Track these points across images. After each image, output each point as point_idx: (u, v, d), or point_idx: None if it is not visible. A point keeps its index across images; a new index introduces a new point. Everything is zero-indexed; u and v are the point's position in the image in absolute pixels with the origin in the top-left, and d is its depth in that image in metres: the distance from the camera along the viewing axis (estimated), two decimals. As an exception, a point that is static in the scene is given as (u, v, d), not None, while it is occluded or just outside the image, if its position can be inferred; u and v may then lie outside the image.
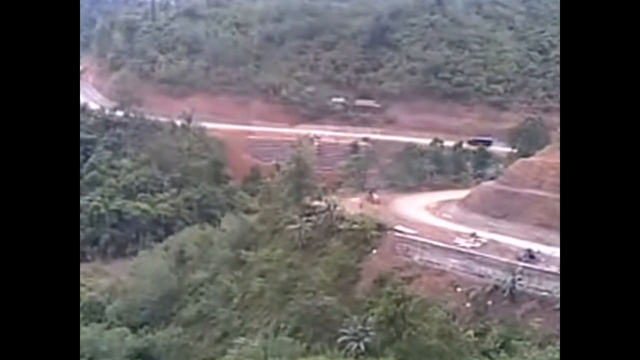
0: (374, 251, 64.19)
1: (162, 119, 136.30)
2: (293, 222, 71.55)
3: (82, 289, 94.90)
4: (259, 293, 69.72)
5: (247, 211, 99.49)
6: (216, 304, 72.82)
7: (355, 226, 65.99)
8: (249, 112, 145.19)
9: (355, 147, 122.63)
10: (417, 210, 74.80)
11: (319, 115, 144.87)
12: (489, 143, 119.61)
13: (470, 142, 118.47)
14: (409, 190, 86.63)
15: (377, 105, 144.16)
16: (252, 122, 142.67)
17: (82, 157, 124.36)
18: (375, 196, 79.60)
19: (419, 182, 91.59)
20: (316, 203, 73.89)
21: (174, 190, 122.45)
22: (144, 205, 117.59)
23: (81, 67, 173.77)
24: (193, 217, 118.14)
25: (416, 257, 60.84)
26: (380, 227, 65.51)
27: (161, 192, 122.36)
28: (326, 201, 72.15)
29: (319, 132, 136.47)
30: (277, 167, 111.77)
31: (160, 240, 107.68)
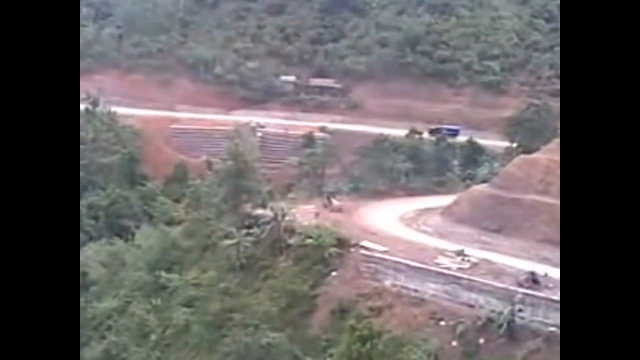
0: (334, 274, 64.26)
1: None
2: (229, 237, 71.46)
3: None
4: (184, 327, 69.21)
5: (170, 222, 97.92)
6: (128, 342, 71.52)
7: (309, 241, 66.07)
8: (172, 94, 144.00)
9: (310, 139, 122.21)
10: (390, 222, 75.11)
11: (263, 98, 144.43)
12: (455, 133, 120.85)
13: (431, 132, 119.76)
14: (378, 195, 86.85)
15: (338, 86, 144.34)
16: (177, 107, 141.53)
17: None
18: (336, 203, 79.77)
19: (391, 186, 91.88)
20: (259, 212, 74.02)
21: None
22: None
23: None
24: (99, 230, 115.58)
25: (388, 282, 60.93)
26: (342, 243, 65.70)
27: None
28: (272, 209, 72.09)
29: (263, 120, 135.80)
30: (209, 164, 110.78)
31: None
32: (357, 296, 60.88)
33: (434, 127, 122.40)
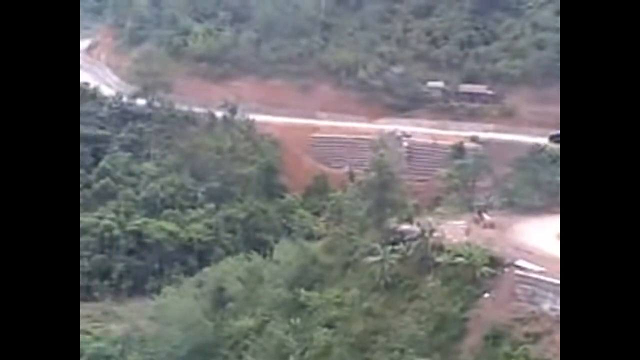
0: (486, 295, 63.56)
1: (197, 110, 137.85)
2: (373, 253, 71.31)
3: (86, 337, 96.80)
4: (324, 349, 69.59)
5: (310, 236, 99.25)
6: (266, 363, 73.02)
7: (459, 260, 65.27)
8: (312, 100, 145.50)
9: (459, 149, 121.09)
10: (547, 239, 72.87)
11: (409, 105, 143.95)
12: None
13: (551, 138, 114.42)
14: (534, 210, 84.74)
15: (490, 92, 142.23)
16: (317, 114, 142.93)
17: (91, 159, 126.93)
18: (488, 218, 78.42)
19: (549, 200, 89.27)
20: (405, 227, 73.64)
21: (211, 205, 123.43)
22: (171, 226, 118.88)
23: (91, 41, 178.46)
24: (236, 243, 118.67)
25: (546, 306, 59.57)
26: (495, 262, 64.70)
27: (194, 208, 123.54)
28: (419, 224, 71.62)
29: (408, 129, 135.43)
30: (351, 175, 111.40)
31: (191, 273, 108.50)
32: (512, 320, 59.85)
33: (553, 133, 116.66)
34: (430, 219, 74.77)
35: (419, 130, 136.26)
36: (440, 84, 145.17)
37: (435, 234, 69.88)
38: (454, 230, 73.04)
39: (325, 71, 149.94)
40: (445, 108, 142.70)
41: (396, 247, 71.09)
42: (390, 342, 64.17)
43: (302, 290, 76.14)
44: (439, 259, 67.66)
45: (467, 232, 72.72)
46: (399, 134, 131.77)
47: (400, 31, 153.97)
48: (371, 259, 71.25)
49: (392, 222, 75.51)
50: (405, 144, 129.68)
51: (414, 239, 70.50)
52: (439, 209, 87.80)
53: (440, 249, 68.72)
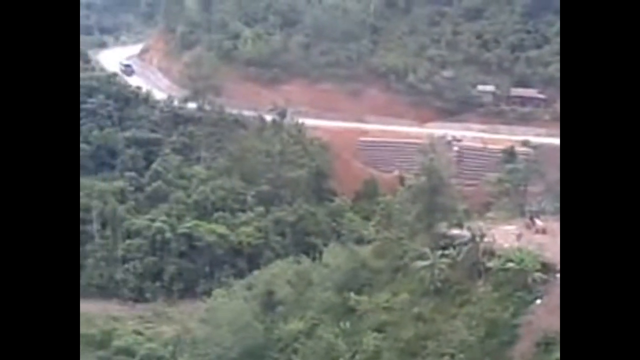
0: (538, 301, 62.82)
1: (247, 113, 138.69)
2: (423, 258, 71.04)
3: (139, 338, 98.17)
4: (374, 354, 69.23)
5: (359, 240, 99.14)
6: (315, 366, 73.07)
7: (510, 265, 64.69)
8: (362, 104, 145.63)
9: (510, 154, 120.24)
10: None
11: (459, 109, 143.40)
12: None
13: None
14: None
15: (542, 96, 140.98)
16: (367, 118, 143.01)
17: (143, 162, 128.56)
18: (540, 223, 77.56)
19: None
20: (455, 232, 73.24)
21: (261, 209, 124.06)
22: (222, 229, 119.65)
23: (143, 45, 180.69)
24: (286, 247, 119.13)
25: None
26: (548, 268, 63.92)
27: (244, 211, 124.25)
28: (470, 229, 71.16)
29: (458, 133, 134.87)
30: (401, 179, 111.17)
31: (241, 276, 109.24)
32: (565, 327, 59.02)
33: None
34: (480, 223, 74.28)
35: (469, 134, 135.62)
36: (490, 87, 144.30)
37: (486, 239, 69.36)
38: (505, 235, 72.43)
39: (374, 75, 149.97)
40: (495, 112, 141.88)
41: (446, 252, 70.74)
42: (441, 347, 63.84)
43: (352, 294, 76.01)
44: (489, 264, 67.18)
45: (519, 237, 72.07)
46: (449, 138, 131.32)
47: (450, 34, 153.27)
48: (421, 263, 71.00)
49: (442, 227, 75.20)
50: (455, 148, 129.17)
51: (464, 244, 70.07)
52: (489, 214, 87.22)
53: (491, 254, 68.21)
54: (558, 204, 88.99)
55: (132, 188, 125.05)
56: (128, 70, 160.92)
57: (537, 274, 63.49)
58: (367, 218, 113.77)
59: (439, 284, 69.43)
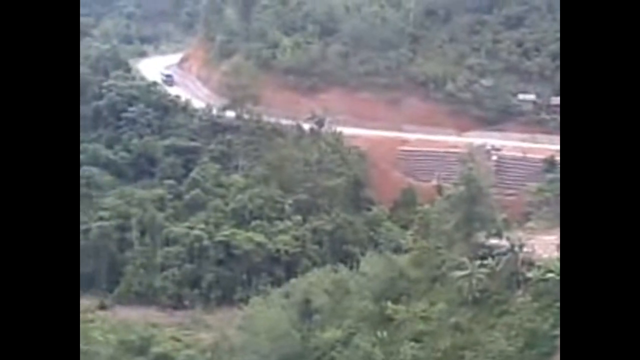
0: (578, 312, 61.90)
1: (285, 122, 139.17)
2: (461, 267, 70.89)
3: (177, 344, 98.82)
4: (411, 363, 69.10)
5: (397, 249, 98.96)
6: (352, 376, 73.03)
7: (550, 275, 64.28)
8: (401, 113, 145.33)
9: (551, 163, 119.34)
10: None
11: (499, 118, 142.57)
12: None
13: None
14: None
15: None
16: (406, 127, 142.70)
17: (182, 170, 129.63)
18: (580, 233, 76.94)
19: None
20: (494, 241, 72.92)
21: (299, 217, 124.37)
22: (259, 237, 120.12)
23: (183, 54, 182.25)
24: (323, 255, 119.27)
25: None
26: (588, 279, 63.12)
27: (281, 219, 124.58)
28: (509, 239, 70.89)
29: (498, 142, 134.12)
30: (439, 189, 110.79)
31: (279, 284, 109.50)
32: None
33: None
34: (520, 233, 73.96)
35: (509, 143, 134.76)
36: (531, 96, 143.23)
37: (525, 249, 69.02)
38: (544, 245, 71.86)
39: (413, 84, 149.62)
40: (536, 121, 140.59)
41: (485, 262, 70.44)
42: (478, 358, 63.63)
43: (389, 304, 75.86)
44: (529, 275, 66.82)
45: (559, 247, 71.59)
46: (488, 147, 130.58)
47: (490, 43, 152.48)
48: (459, 273, 70.77)
49: (480, 237, 74.88)
50: (494, 157, 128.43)
51: (503, 254, 69.74)
52: (529, 224, 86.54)
53: (530, 264, 67.85)
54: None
55: (171, 196, 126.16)
56: (169, 80, 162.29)
57: (577, 285, 63.03)
58: (405, 227, 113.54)
59: (477, 294, 69.14)
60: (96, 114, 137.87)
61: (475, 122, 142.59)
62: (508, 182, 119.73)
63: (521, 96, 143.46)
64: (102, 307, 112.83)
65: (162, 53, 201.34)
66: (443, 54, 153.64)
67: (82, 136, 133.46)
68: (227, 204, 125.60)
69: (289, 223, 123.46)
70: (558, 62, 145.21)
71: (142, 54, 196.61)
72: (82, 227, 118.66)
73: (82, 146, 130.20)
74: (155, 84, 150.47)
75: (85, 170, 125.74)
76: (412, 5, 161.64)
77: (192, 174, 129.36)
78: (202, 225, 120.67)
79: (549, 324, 62.51)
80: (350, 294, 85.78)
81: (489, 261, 70.47)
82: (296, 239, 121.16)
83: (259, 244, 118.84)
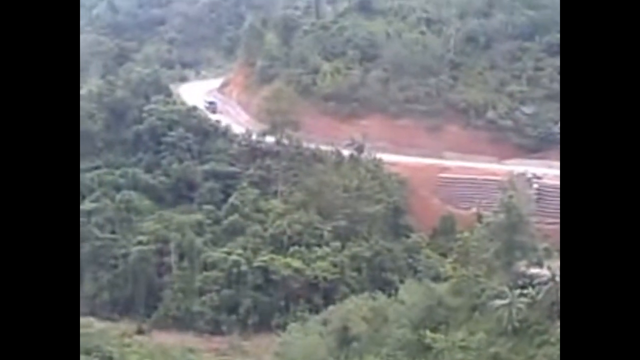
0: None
1: (325, 148, 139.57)
2: (501, 296, 70.67)
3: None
4: (449, 393, 69.08)
5: (436, 277, 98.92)
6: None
7: (591, 306, 63.61)
8: (441, 140, 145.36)
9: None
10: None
11: (540, 146, 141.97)
12: None
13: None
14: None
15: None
16: (446, 154, 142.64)
17: (221, 195, 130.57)
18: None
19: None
20: (535, 270, 72.69)
21: (337, 243, 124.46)
22: (297, 263, 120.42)
23: (224, 79, 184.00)
24: (361, 282, 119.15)
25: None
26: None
27: (320, 245, 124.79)
28: (550, 268, 70.46)
29: (539, 171, 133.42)
30: (479, 217, 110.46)
31: (316, 310, 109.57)
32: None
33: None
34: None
35: (550, 171, 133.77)
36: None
37: (566, 279, 68.58)
38: (585, 275, 71.48)
39: (453, 111, 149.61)
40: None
41: (525, 291, 70.18)
42: (518, 389, 63.29)
43: (428, 332, 75.79)
44: (569, 305, 66.34)
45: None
46: (529, 175, 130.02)
47: (531, 70, 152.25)
48: (499, 302, 70.54)
49: (521, 265, 74.67)
50: (535, 185, 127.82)
51: (544, 283, 69.39)
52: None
53: (571, 294, 67.38)
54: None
55: (209, 221, 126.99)
56: (212, 107, 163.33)
57: (619, 316, 62.56)
58: (444, 255, 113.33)
59: (517, 324, 68.82)
60: (136, 138, 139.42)
61: (516, 150, 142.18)
62: (549, 210, 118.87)
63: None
64: (140, 331, 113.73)
65: (203, 78, 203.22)
66: (484, 81, 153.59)
67: (122, 160, 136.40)
68: (265, 230, 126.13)
69: (327, 249, 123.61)
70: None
71: (183, 79, 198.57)
72: (121, 251, 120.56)
73: (121, 170, 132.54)
74: (195, 108, 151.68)
75: (124, 195, 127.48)
76: (453, 31, 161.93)
77: (231, 199, 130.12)
78: (241, 251, 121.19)
79: (590, 356, 62.06)
80: (389, 322, 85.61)
81: (529, 290, 70.23)
82: (334, 265, 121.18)
83: (297, 270, 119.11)
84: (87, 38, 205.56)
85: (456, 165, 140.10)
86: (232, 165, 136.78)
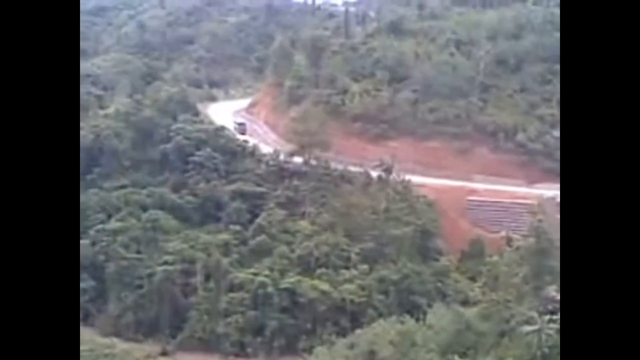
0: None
1: (353, 169, 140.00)
2: (530, 322, 70.31)
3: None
4: (477, 419, 68.87)
5: (465, 301, 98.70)
6: None
7: (622, 333, 63.28)
8: (470, 162, 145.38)
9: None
10: None
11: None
12: None
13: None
14: None
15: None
16: (475, 176, 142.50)
17: (248, 216, 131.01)
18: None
19: None
20: (565, 296, 72.02)
21: (365, 266, 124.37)
22: (324, 285, 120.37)
23: (252, 99, 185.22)
24: (389, 306, 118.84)
25: None
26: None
27: (347, 268, 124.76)
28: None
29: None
30: (509, 240, 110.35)
31: (343, 334, 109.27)
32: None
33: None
34: (591, 288, 73.16)
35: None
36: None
37: (596, 305, 68.29)
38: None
39: (483, 133, 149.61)
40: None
41: (554, 317, 69.79)
42: (547, 416, 62.94)
43: (456, 357, 75.52)
44: (600, 331, 66.05)
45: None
46: (558, 199, 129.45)
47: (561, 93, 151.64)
48: (528, 328, 70.22)
49: (550, 291, 74.38)
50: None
51: (574, 309, 69.08)
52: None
53: (601, 320, 67.04)
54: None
55: (236, 241, 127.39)
56: (241, 128, 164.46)
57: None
58: (472, 279, 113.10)
59: (546, 350, 68.43)
60: (163, 157, 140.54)
61: (546, 174, 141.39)
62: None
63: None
64: (164, 353, 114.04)
65: (231, 97, 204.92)
66: (513, 104, 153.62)
67: (149, 179, 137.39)
68: (292, 251, 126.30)
69: (354, 272, 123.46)
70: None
71: (211, 98, 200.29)
72: (147, 271, 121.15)
73: (148, 190, 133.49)
74: (223, 128, 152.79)
75: (151, 214, 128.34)
76: (482, 53, 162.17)
77: (258, 220, 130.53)
78: (267, 272, 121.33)
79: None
80: (417, 346, 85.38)
81: (559, 316, 69.84)
82: (362, 288, 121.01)
83: (324, 293, 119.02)
84: (116, 57, 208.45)
85: (484, 188, 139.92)
86: (259, 185, 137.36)
